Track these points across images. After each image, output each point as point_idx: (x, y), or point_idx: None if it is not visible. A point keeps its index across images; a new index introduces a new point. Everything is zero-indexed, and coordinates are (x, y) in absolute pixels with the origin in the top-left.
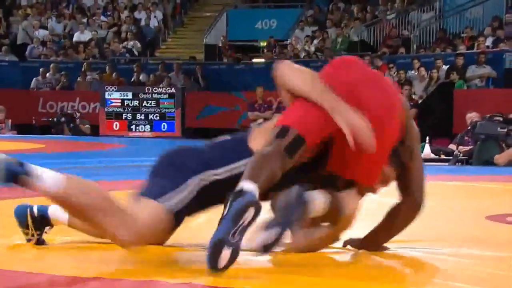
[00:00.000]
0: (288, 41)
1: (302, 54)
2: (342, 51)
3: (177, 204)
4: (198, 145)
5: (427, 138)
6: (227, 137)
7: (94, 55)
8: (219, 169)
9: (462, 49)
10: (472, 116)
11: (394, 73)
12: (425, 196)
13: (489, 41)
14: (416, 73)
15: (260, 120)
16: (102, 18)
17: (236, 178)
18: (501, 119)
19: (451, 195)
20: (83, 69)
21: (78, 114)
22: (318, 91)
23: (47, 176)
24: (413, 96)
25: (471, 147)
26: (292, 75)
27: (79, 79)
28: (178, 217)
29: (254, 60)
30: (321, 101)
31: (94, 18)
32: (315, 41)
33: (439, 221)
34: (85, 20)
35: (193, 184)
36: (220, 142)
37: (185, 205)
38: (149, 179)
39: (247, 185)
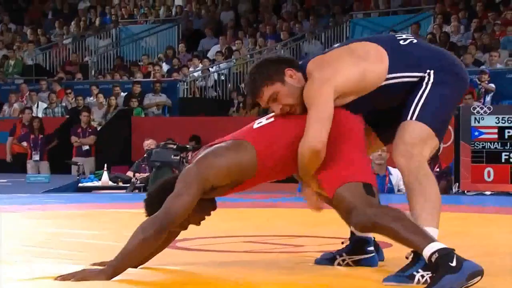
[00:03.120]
0: None
1: None
2: (16, 74)
3: None
4: None
5: (106, 165)
6: None
7: None
8: None
9: (139, 77)
10: (149, 143)
11: (72, 99)
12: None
13: (164, 70)
14: (94, 100)
15: None
16: None
17: None
18: (174, 146)
19: (125, 224)
20: None
21: None
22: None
23: None
24: (92, 123)
25: (148, 174)
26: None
27: None
28: None
29: None
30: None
31: None
32: None
33: None
34: None
35: None
36: None
37: None
38: None
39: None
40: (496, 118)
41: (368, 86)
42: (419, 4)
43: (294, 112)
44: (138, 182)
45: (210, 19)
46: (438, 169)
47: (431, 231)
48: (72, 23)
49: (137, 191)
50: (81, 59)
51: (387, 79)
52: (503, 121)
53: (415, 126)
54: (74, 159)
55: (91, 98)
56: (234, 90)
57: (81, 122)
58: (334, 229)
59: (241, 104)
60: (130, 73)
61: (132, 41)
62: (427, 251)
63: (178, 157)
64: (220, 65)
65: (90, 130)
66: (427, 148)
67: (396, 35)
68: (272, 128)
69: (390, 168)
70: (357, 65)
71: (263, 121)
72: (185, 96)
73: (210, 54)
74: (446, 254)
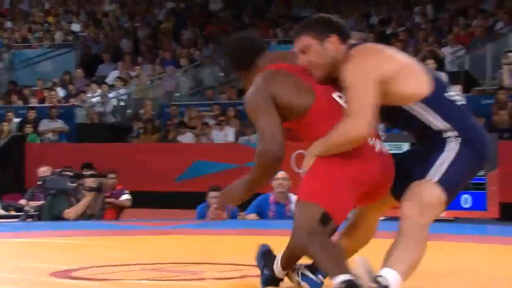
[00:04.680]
0: None
1: None
2: None
3: None
4: None
5: None
6: None
7: None
8: None
9: (34, 102)
10: (44, 171)
11: None
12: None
13: (61, 95)
14: None
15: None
16: None
17: None
18: (70, 173)
19: (16, 255)
20: None
21: None
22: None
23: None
24: None
25: (42, 202)
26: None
27: None
28: None
29: None
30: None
31: None
32: None
33: None
34: None
35: None
36: None
37: None
38: None
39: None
40: (389, 145)
41: (402, 93)
42: None
43: (311, 73)
44: (32, 210)
45: (108, 44)
46: None
47: (396, 276)
48: None
49: (30, 219)
50: None
51: (416, 103)
52: (396, 148)
53: (435, 190)
54: None
55: None
56: (133, 116)
57: None
58: (232, 256)
59: (140, 130)
60: (24, 99)
61: (26, 66)
62: (335, 280)
63: (75, 184)
64: (119, 90)
65: None
66: (436, 213)
67: (449, 88)
68: None
69: (291, 195)
70: (406, 65)
71: None
72: (83, 122)
73: (108, 80)
74: (350, 285)
